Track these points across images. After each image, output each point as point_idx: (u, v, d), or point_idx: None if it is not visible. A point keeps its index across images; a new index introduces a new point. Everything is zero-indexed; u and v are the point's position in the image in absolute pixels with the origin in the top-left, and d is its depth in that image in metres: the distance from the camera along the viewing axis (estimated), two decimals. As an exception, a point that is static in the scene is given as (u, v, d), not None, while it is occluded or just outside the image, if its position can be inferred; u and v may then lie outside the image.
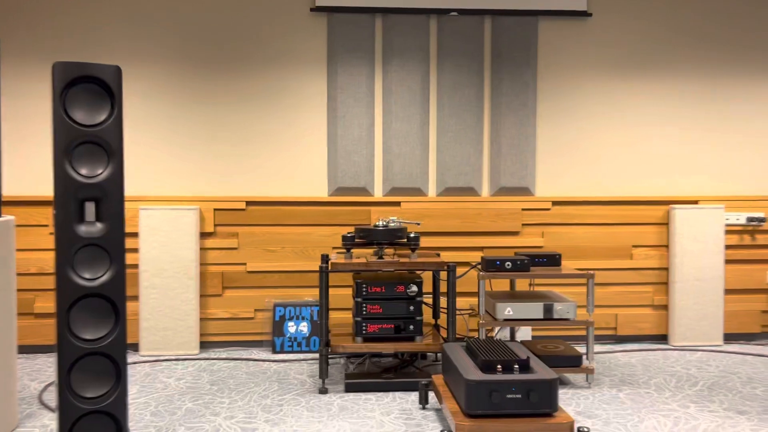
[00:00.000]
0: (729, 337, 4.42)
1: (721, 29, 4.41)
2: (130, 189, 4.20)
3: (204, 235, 4.19)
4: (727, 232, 4.39)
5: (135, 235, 4.12)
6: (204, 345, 4.23)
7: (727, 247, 4.38)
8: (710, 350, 4.18)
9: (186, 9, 4.19)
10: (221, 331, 4.22)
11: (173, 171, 4.22)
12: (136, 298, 4.14)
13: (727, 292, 4.40)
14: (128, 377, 3.59)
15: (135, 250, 4.12)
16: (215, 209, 4.19)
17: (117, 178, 2.32)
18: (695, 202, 4.38)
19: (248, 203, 4.21)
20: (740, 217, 4.39)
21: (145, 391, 3.34)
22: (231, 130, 4.24)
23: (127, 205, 4.13)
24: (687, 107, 4.41)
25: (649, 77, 4.39)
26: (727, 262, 4.38)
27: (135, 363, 3.90)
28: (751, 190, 4.45)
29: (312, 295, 4.26)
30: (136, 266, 4.13)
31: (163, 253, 4.05)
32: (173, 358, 4.02)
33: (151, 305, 4.06)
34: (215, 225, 4.20)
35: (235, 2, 4.22)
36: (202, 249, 4.19)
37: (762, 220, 4.38)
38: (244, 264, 4.22)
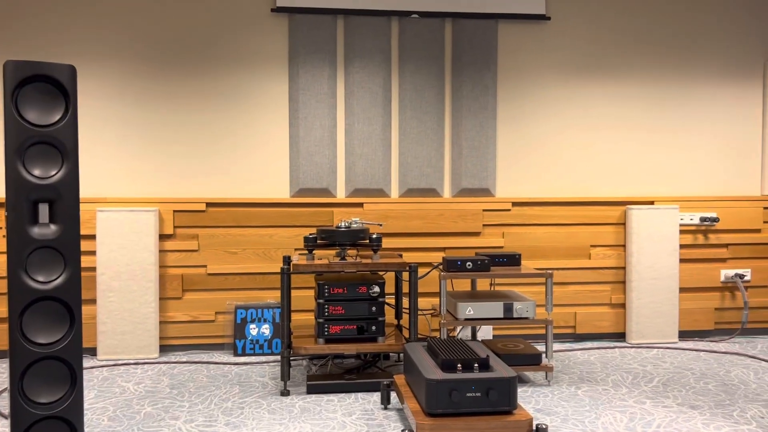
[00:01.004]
0: (684, 334, 4.53)
1: (676, 34, 4.53)
2: (87, 190, 4.12)
3: (163, 237, 4.13)
4: (682, 231, 4.50)
5: (92, 237, 4.05)
6: (164, 348, 4.17)
7: (682, 246, 4.50)
8: (666, 347, 4.29)
9: (144, 8, 4.13)
10: (181, 335, 4.17)
11: (131, 172, 4.15)
12: (93, 301, 4.07)
13: (682, 290, 4.51)
14: (85, 382, 3.53)
15: (92, 253, 4.05)
16: (175, 211, 4.14)
17: (72, 179, 2.28)
18: (651, 203, 4.49)
19: (208, 204, 4.17)
20: (694, 218, 4.51)
21: (103, 396, 3.28)
22: (190, 130, 4.19)
23: (83, 206, 4.05)
24: (643, 110, 4.51)
25: (606, 80, 4.48)
26: (682, 261, 4.50)
27: (92, 367, 3.82)
28: (705, 190, 4.58)
29: (274, 297, 4.23)
30: (93, 269, 4.06)
31: (122, 256, 3.99)
32: (132, 362, 3.96)
33: (109, 308, 3.98)
34: (175, 227, 4.14)
35: (194, 1, 4.17)
36: (162, 251, 4.13)
37: (715, 220, 4.50)
38: (205, 266, 4.17)
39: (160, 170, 4.17)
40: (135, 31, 4.13)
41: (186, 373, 3.70)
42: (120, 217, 3.99)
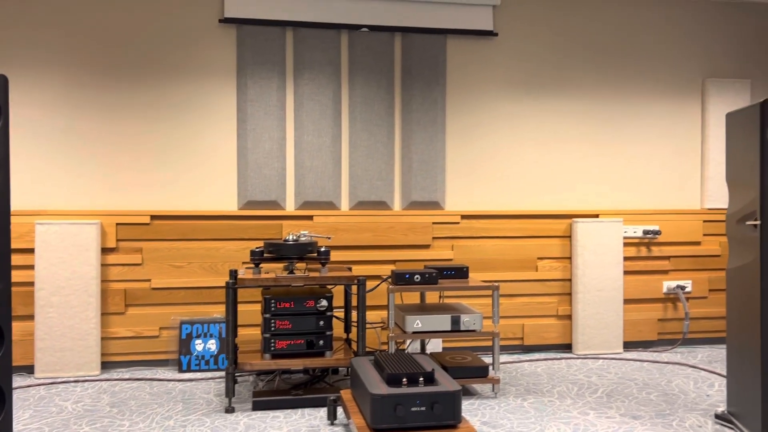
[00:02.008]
0: (628, 345, 4.62)
1: (620, 52, 4.65)
2: (25, 203, 3.99)
3: (105, 250, 4.03)
4: (626, 244, 4.61)
5: (31, 250, 3.92)
6: (106, 365, 4.05)
7: (626, 258, 4.60)
8: (610, 358, 4.36)
9: (87, 15, 4.04)
10: (124, 351, 4.05)
11: (73, 184, 4.04)
12: (31, 317, 3.93)
13: (626, 301, 4.61)
14: (21, 401, 3.39)
15: (30, 267, 3.92)
16: (118, 224, 4.03)
17: (2, 191, 2.20)
18: (596, 216, 4.58)
19: (153, 217, 4.08)
20: (637, 230, 4.62)
21: (39, 416, 3.16)
22: (135, 142, 4.10)
23: (21, 219, 3.92)
24: (588, 125, 4.61)
25: (551, 96, 4.57)
26: (626, 273, 4.60)
27: (29, 386, 3.68)
28: (647, 204, 4.69)
29: (221, 311, 4.16)
30: (31, 284, 3.92)
31: (62, 270, 3.86)
32: (72, 379, 3.83)
33: (48, 324, 3.85)
34: (118, 240, 4.04)
35: (140, 10, 4.10)
36: (104, 265, 4.02)
37: (657, 232, 4.62)
38: (149, 280, 4.07)
39: (102, 182, 4.07)
40: (76, 40, 4.03)
41: (128, 391, 3.60)
42: (60, 230, 3.87)
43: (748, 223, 2.86)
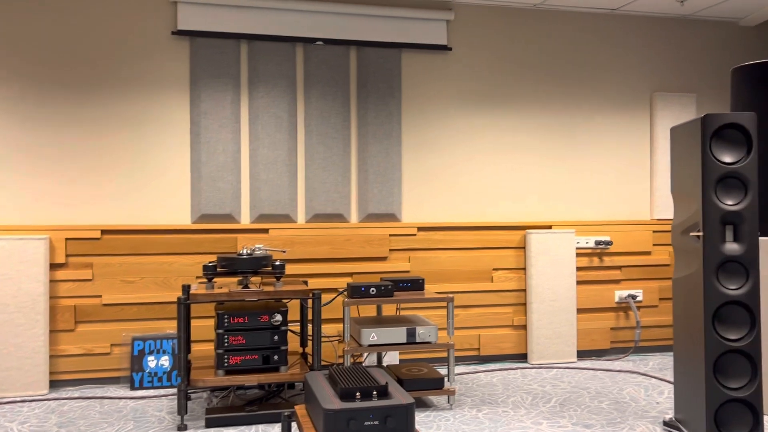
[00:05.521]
0: (582, 354, 4.70)
1: (572, 67, 4.75)
2: (-31, 217, 3.87)
3: (54, 266, 3.93)
4: (578, 254, 4.69)
5: (-25, 267, 3.80)
6: (54, 384, 3.94)
7: (578, 268, 4.68)
8: (565, 367, 4.43)
9: (36, 26, 3.96)
10: (74, 369, 3.95)
11: (20, 198, 3.94)
12: (-25, 336, 3.81)
13: (579, 311, 4.69)
14: (-37, 424, 3.28)
15: (-25, 284, 3.80)
16: (67, 239, 3.94)
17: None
18: (549, 227, 4.65)
19: (104, 232, 4.00)
20: (589, 241, 4.71)
21: (-18, 439, 3.07)
22: (85, 154, 4.02)
23: (-35, 235, 3.81)
24: (541, 138, 4.70)
25: (505, 109, 4.64)
26: (579, 283, 4.68)
27: (-28, 408, 3.57)
28: (599, 215, 4.79)
29: (174, 327, 4.09)
30: (-25, 301, 3.80)
31: (8, 287, 3.76)
32: (18, 399, 3.72)
33: (-7, 343, 3.74)
34: (67, 255, 3.95)
35: (90, 21, 4.03)
36: (52, 281, 3.92)
37: (608, 243, 4.72)
38: (100, 296, 3.99)
39: (51, 196, 3.97)
40: (25, 52, 3.95)
41: (77, 410, 3.51)
42: (6, 245, 3.76)
43: (691, 234, 2.94)
